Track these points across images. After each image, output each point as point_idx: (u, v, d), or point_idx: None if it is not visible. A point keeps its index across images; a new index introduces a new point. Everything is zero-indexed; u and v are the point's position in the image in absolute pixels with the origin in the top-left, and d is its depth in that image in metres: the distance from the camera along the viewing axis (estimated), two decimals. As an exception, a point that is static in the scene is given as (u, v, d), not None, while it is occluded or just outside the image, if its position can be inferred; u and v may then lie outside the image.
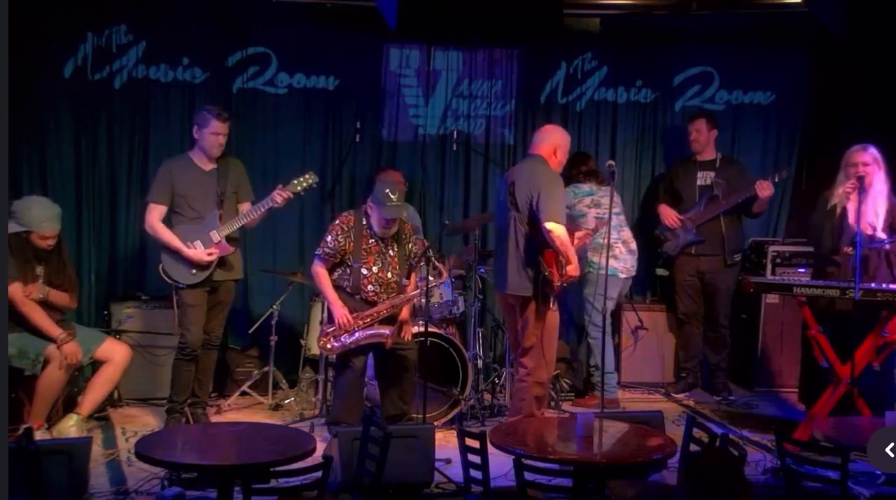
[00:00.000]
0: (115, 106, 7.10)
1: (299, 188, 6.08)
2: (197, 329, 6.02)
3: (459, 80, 7.64)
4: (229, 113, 6.18)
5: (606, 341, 6.46)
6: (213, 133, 5.98)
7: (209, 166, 6.06)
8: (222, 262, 6.03)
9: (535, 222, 5.67)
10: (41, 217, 5.80)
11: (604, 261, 6.37)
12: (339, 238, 5.76)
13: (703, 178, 7.26)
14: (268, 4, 7.06)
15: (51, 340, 5.77)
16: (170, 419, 6.09)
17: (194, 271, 5.95)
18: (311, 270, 5.92)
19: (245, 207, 6.15)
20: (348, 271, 5.79)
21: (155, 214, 6.02)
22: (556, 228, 5.62)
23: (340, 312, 5.73)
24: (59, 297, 5.94)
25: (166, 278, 6.02)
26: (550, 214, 5.63)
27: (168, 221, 6.04)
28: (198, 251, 5.92)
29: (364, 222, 5.81)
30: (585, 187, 6.86)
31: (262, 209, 6.04)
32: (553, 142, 5.92)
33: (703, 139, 7.26)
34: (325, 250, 5.78)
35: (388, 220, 5.75)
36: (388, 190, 5.74)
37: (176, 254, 5.94)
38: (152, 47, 7.09)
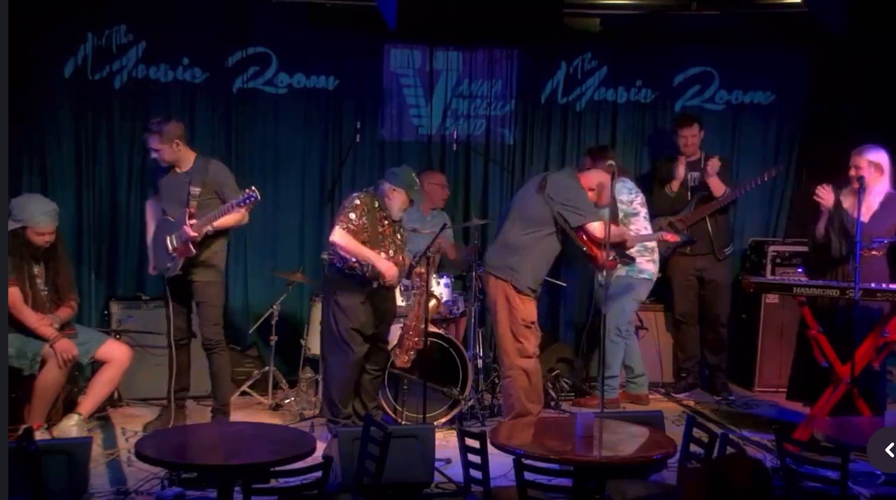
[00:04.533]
0: (115, 106, 7.10)
1: (243, 207, 5.77)
2: (175, 318, 6.09)
3: (459, 80, 7.64)
4: (165, 123, 5.91)
5: (609, 344, 6.60)
6: (149, 148, 5.98)
7: (182, 169, 5.99)
8: (188, 266, 5.93)
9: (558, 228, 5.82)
10: (37, 211, 5.81)
11: (643, 264, 6.71)
12: (363, 218, 5.74)
13: (692, 179, 7.26)
14: (268, 4, 7.07)
15: (45, 340, 5.79)
16: (165, 407, 6.18)
17: (170, 264, 5.93)
18: (334, 237, 5.68)
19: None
20: None
21: (148, 207, 6.22)
22: (599, 229, 5.72)
23: (387, 265, 5.72)
24: (65, 313, 5.98)
25: (156, 269, 6.10)
26: (584, 217, 5.74)
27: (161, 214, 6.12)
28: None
29: (377, 205, 5.80)
30: (631, 184, 6.90)
31: (219, 214, 5.81)
32: (598, 181, 5.94)
33: (698, 142, 7.27)
34: (350, 225, 5.70)
35: (411, 201, 5.85)
36: (413, 173, 5.87)
37: (161, 244, 5.95)
38: (152, 47, 7.09)
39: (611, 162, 6.25)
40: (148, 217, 6.23)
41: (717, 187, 7.13)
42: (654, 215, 7.40)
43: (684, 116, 7.49)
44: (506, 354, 5.88)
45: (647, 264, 6.80)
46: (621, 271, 6.69)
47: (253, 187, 5.67)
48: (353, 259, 5.74)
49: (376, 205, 5.81)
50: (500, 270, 5.84)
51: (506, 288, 5.81)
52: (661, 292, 7.67)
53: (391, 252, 5.83)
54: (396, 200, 5.81)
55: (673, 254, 7.29)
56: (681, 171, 7.18)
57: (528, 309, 5.85)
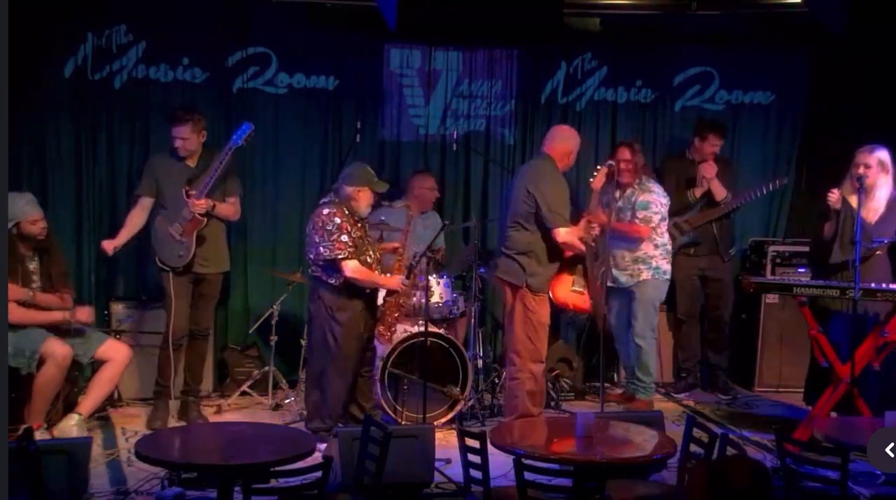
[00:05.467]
0: (115, 106, 7.10)
1: (241, 142, 6.01)
2: (179, 319, 6.15)
3: (459, 80, 7.64)
4: (196, 113, 6.21)
5: (647, 347, 6.78)
6: (173, 137, 6.12)
7: (191, 162, 6.16)
8: (201, 256, 6.11)
9: (537, 221, 5.85)
10: (21, 202, 5.83)
11: (664, 266, 6.73)
12: (352, 233, 5.70)
13: (700, 181, 7.25)
14: (268, 4, 7.06)
15: (56, 332, 5.83)
16: (156, 401, 6.24)
17: (181, 253, 6.03)
18: (350, 273, 5.62)
19: (232, 201, 6.30)
20: None
21: (136, 206, 6.25)
22: (564, 236, 5.80)
23: (397, 283, 5.88)
24: (47, 299, 5.92)
25: (160, 265, 6.12)
26: (555, 219, 5.78)
27: (155, 215, 6.19)
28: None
29: (347, 213, 5.75)
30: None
31: (218, 163, 6.00)
32: (569, 146, 6.05)
33: (716, 151, 7.24)
34: (349, 250, 5.64)
35: (378, 194, 5.87)
36: (367, 167, 5.86)
37: (164, 238, 6.06)
38: (152, 47, 7.09)
39: (610, 162, 6.36)
40: (136, 211, 6.25)
41: (719, 191, 7.12)
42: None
43: (716, 125, 7.31)
44: (518, 355, 5.89)
45: (668, 265, 6.81)
46: (646, 274, 6.72)
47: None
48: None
49: (346, 212, 5.75)
50: (512, 274, 5.87)
51: (521, 291, 5.85)
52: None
53: (371, 253, 5.82)
54: (363, 199, 5.77)
55: (677, 254, 7.29)
56: (708, 172, 7.15)
57: (544, 310, 5.91)
